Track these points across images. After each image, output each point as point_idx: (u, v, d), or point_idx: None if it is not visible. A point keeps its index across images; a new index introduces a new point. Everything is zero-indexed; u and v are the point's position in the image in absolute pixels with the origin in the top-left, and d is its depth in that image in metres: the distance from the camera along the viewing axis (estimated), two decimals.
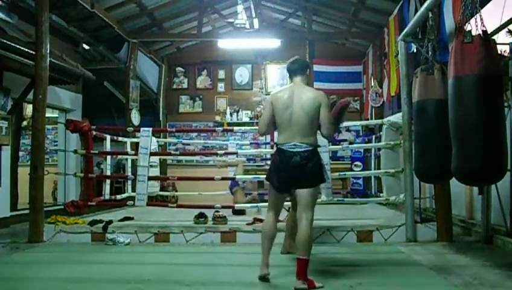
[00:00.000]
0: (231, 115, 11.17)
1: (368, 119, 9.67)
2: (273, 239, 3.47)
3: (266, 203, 5.51)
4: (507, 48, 5.03)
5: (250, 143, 9.35)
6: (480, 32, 3.38)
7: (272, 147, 7.16)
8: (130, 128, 7.23)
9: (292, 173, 3.33)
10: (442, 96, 3.86)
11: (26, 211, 5.77)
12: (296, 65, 3.58)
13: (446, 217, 5.04)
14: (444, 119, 3.63)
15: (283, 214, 4.20)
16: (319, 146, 3.47)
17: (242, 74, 11.49)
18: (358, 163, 9.00)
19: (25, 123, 8.75)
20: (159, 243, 5.27)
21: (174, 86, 11.59)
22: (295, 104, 3.37)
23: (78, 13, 7.63)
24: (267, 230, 3.49)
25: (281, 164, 3.40)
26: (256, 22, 9.44)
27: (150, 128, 5.95)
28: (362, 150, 8.77)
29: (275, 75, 11.36)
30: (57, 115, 9.04)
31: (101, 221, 5.50)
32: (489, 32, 3.55)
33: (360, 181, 9.10)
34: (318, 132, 3.55)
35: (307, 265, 3.24)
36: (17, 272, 4.00)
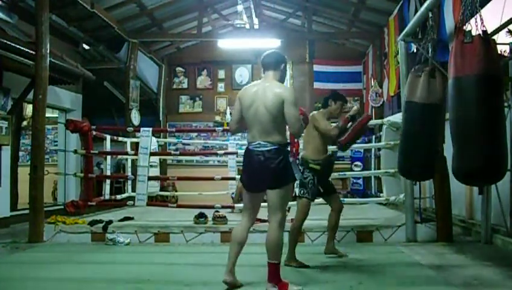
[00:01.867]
0: (231, 115, 11.15)
1: None
2: (242, 245, 3.28)
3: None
4: (507, 48, 5.03)
5: None
6: (480, 32, 3.37)
7: None
8: (130, 128, 7.24)
9: (257, 173, 3.19)
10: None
11: (26, 211, 5.77)
12: (269, 59, 3.34)
13: (446, 217, 5.03)
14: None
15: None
16: (288, 144, 3.29)
17: (242, 74, 11.49)
18: (358, 163, 9.02)
19: (25, 123, 8.75)
20: (159, 243, 5.27)
21: (174, 86, 11.59)
22: (259, 100, 3.17)
23: (78, 13, 7.63)
24: (237, 235, 3.30)
25: (247, 164, 3.27)
26: (256, 22, 9.44)
27: (150, 128, 5.95)
28: (362, 150, 8.78)
29: None
30: (57, 115, 9.04)
31: (101, 221, 5.50)
32: (489, 32, 3.55)
33: (360, 181, 9.12)
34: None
35: (277, 269, 3.14)
36: (17, 272, 4.00)
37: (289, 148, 3.37)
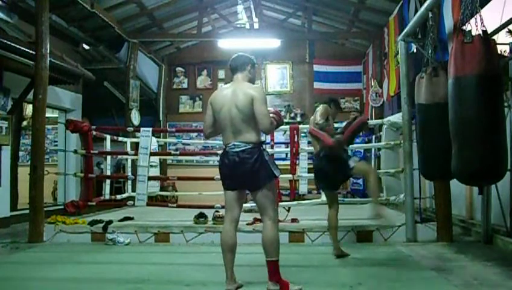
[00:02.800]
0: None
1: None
2: (234, 249, 3.27)
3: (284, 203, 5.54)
4: (507, 48, 5.04)
5: None
6: (480, 32, 3.37)
7: (272, 147, 7.15)
8: (130, 128, 7.23)
9: (236, 173, 3.19)
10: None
11: (26, 211, 5.77)
12: (235, 62, 3.38)
13: (446, 217, 5.03)
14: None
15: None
16: (263, 142, 3.29)
17: None
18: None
19: (25, 123, 8.74)
20: (159, 243, 5.27)
21: (174, 86, 11.59)
22: (230, 102, 3.20)
23: (78, 13, 7.63)
24: (225, 241, 3.26)
25: (225, 166, 3.27)
26: (256, 22, 9.44)
27: (150, 128, 5.96)
28: (362, 150, 8.76)
29: (275, 75, 11.36)
30: (57, 115, 9.04)
31: (101, 221, 5.49)
32: (489, 32, 3.55)
33: (360, 181, 9.10)
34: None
35: (276, 266, 3.14)
36: (17, 272, 4.00)
37: (264, 147, 3.34)
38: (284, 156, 8.59)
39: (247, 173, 3.16)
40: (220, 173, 3.37)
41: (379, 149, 7.58)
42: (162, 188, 9.01)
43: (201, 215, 5.54)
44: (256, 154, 3.16)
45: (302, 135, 6.43)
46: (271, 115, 3.24)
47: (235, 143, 3.19)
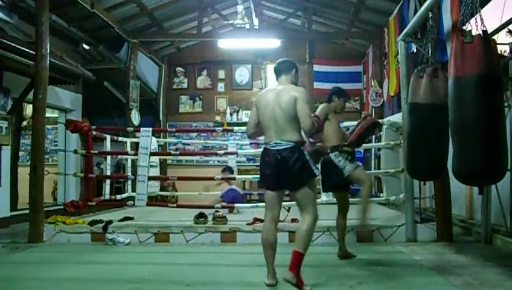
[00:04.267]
0: (231, 115, 11.18)
1: None
2: (274, 246, 3.32)
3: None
4: (507, 48, 5.04)
5: (250, 143, 9.35)
6: (480, 32, 3.37)
7: None
8: (130, 128, 7.24)
9: (277, 171, 3.27)
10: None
11: (26, 211, 5.77)
12: (280, 66, 3.56)
13: (446, 217, 5.03)
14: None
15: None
16: (303, 142, 3.38)
17: (242, 74, 11.50)
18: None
19: (25, 123, 8.75)
20: (159, 243, 5.27)
21: (174, 86, 11.60)
22: (275, 102, 3.33)
23: (78, 13, 7.64)
24: (267, 238, 3.32)
25: (266, 163, 3.35)
26: (256, 22, 9.44)
27: (150, 128, 5.95)
28: (362, 150, 8.77)
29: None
30: (57, 115, 9.04)
31: (101, 221, 5.49)
32: (489, 32, 3.55)
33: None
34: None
35: (301, 259, 3.17)
36: (17, 272, 4.00)
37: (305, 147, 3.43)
38: None
39: (288, 172, 3.24)
40: (260, 172, 3.45)
41: (379, 149, 7.60)
42: (162, 188, 9.02)
43: (201, 215, 5.54)
44: (297, 153, 3.25)
45: None
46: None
47: (277, 141, 3.28)
